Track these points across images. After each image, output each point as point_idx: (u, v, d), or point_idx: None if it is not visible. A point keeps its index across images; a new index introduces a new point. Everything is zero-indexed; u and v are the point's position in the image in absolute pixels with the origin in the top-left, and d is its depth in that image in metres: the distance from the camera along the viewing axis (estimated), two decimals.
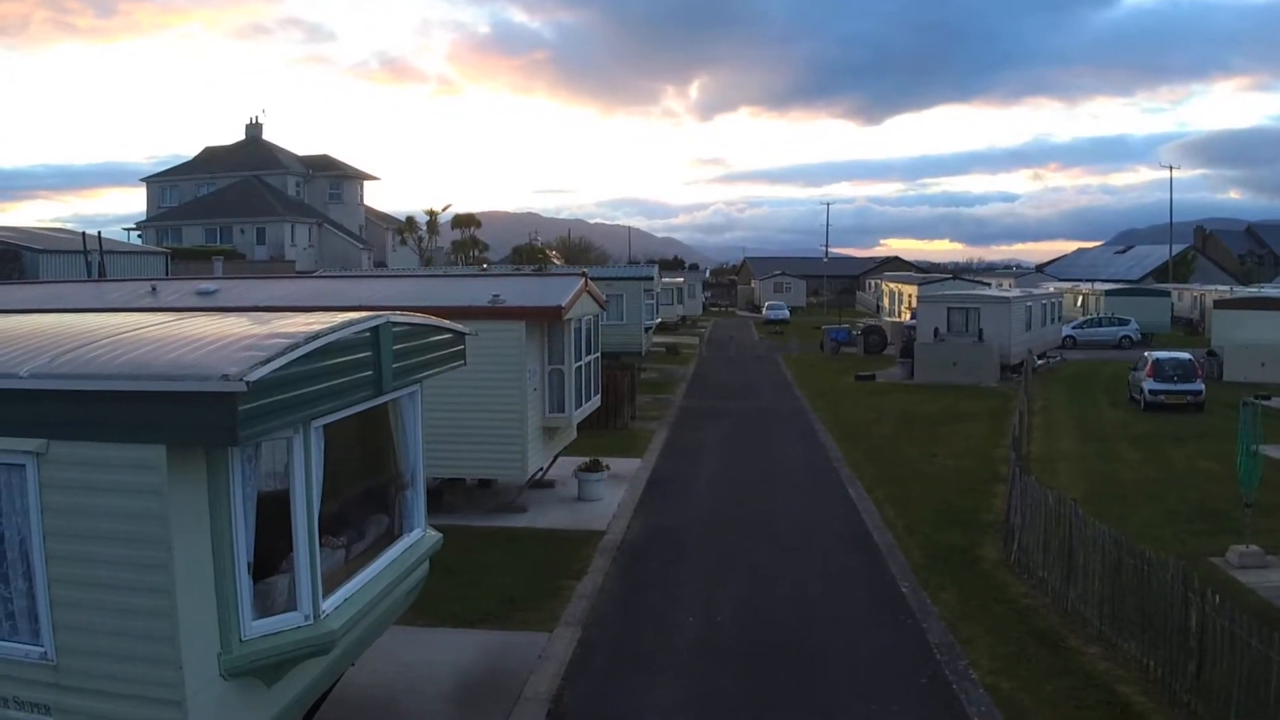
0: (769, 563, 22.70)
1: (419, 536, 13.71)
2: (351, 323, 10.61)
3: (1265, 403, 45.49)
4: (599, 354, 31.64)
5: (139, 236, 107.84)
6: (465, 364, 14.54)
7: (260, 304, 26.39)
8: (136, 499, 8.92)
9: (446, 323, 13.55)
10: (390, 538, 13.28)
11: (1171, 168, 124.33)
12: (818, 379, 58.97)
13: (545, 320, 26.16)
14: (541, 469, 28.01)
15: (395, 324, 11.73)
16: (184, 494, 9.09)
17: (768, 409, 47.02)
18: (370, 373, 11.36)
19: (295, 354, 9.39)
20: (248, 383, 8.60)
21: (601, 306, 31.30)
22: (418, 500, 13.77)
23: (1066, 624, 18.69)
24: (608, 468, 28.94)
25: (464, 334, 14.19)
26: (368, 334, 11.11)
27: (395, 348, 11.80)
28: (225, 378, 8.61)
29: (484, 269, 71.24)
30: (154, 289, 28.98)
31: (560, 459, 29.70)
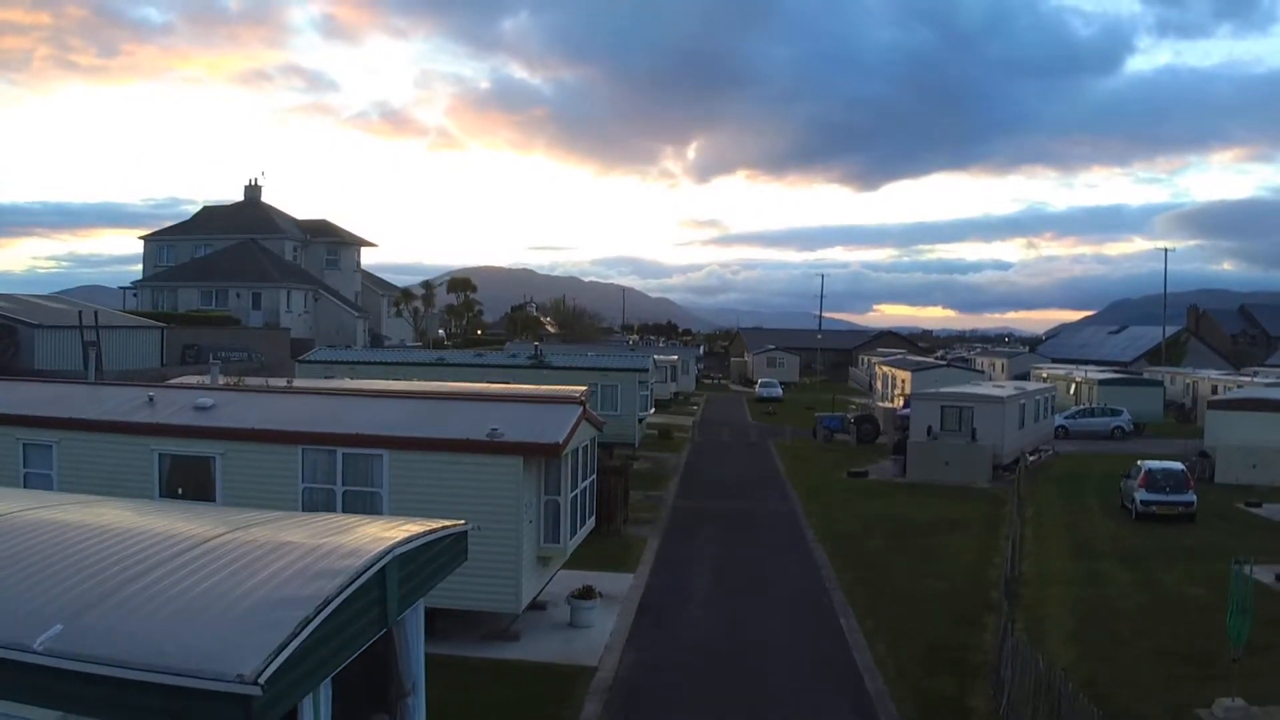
0: (761, 711, 22.72)
1: None
2: (360, 573, 10.63)
3: (1256, 510, 45.94)
4: (595, 475, 31.75)
5: (134, 295, 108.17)
6: (468, 559, 14.63)
7: (257, 426, 26.74)
8: None
9: (450, 527, 13.63)
10: None
11: (1167, 250, 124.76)
12: (810, 474, 59.16)
13: (543, 455, 26.31)
14: (534, 596, 28.08)
15: (402, 555, 11.80)
16: None
17: (759, 513, 47.04)
18: (378, 611, 11.45)
19: (308, 629, 9.42)
20: (262, 685, 8.63)
21: (598, 429, 31.38)
22: (419, 706, 13.86)
23: None
24: (600, 595, 29.00)
25: (466, 532, 14.32)
26: (376, 574, 11.16)
27: (401, 575, 11.89)
28: (240, 678, 8.62)
29: (479, 355, 71.43)
30: (151, 400, 29.13)
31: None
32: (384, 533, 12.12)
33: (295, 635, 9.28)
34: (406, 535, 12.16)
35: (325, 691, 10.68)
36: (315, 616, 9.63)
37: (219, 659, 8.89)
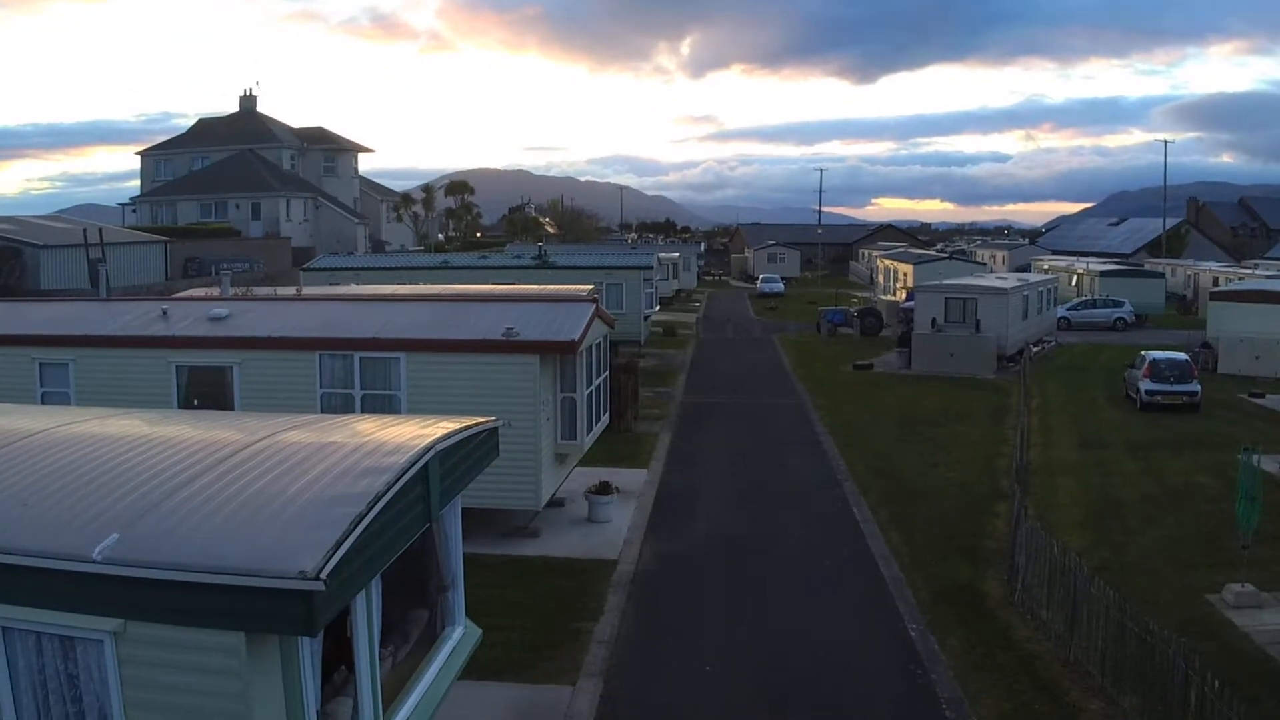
0: (781, 600, 23.14)
1: (460, 635, 14.14)
2: (406, 469, 10.86)
3: (1260, 401, 46.21)
4: (608, 372, 31.99)
5: (133, 211, 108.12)
6: (500, 456, 14.87)
7: (273, 334, 26.93)
8: (217, 679, 9.24)
9: (483, 423, 13.83)
10: (432, 637, 13.74)
11: (1166, 142, 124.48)
12: (816, 367, 59.38)
13: (559, 353, 26.62)
14: (553, 493, 28.40)
15: (442, 450, 12.01)
16: (261, 668, 9.41)
17: (768, 406, 47.39)
18: (422, 506, 11.69)
19: (362, 525, 9.66)
20: (324, 580, 8.84)
21: (610, 326, 31.62)
22: (458, 599, 14.20)
23: (1069, 675, 19.13)
24: (617, 490, 29.35)
25: (498, 428, 14.55)
26: (419, 470, 11.37)
27: (441, 470, 12.12)
28: (302, 574, 8.83)
29: (483, 256, 71.41)
30: (165, 313, 29.24)
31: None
32: (422, 430, 12.33)
33: (350, 531, 9.49)
34: (445, 432, 12.36)
35: (376, 587, 10.97)
36: (368, 512, 9.86)
37: (279, 557, 9.10)
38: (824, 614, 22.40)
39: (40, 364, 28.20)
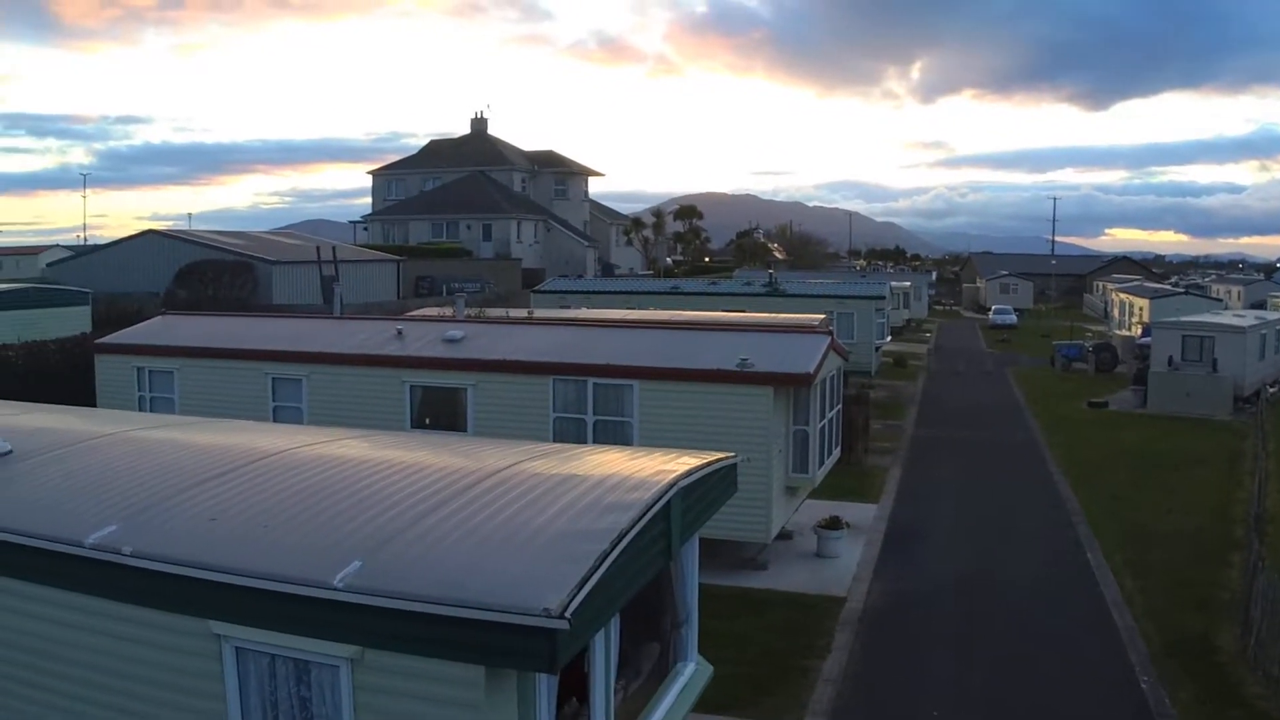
0: (1011, 644, 22.60)
1: (692, 672, 14.04)
2: (650, 506, 10.75)
3: None
4: (840, 405, 31.68)
5: (365, 230, 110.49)
6: (737, 491, 14.73)
7: (507, 357, 27.10)
8: (453, 710, 9.20)
9: (722, 459, 13.67)
10: (663, 671, 13.64)
11: None
12: (1049, 404, 58.06)
13: (793, 385, 26.38)
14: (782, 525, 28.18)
15: (684, 487, 11.86)
16: (498, 703, 9.34)
17: (1000, 442, 46.55)
18: (663, 544, 11.58)
19: (607, 563, 9.55)
20: (569, 619, 8.72)
21: (844, 359, 31.32)
22: (691, 635, 14.09)
23: None
24: (847, 525, 29.02)
25: (737, 464, 14.41)
26: (662, 507, 11.23)
27: (682, 507, 12.00)
28: (546, 611, 8.71)
29: (713, 283, 71.41)
30: (400, 333, 29.72)
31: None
32: (664, 465, 12.21)
33: (595, 569, 9.38)
34: (688, 468, 12.22)
35: (615, 625, 10.91)
36: (612, 550, 9.75)
37: (522, 593, 9.01)
38: (1054, 661, 21.77)
39: (273, 379, 28.85)
